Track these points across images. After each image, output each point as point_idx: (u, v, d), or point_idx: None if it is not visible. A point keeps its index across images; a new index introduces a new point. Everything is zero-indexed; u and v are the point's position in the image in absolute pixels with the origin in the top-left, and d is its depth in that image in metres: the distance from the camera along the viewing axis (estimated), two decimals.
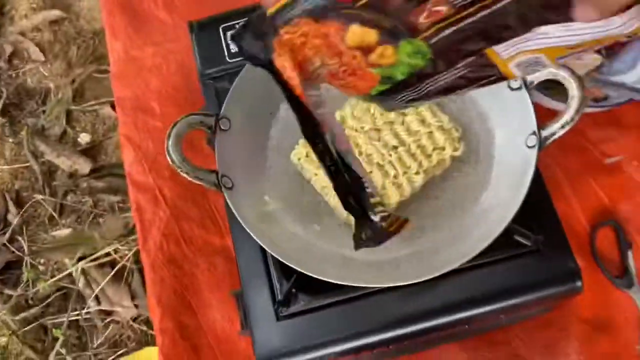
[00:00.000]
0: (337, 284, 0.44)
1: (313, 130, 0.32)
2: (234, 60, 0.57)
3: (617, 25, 0.25)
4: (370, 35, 0.27)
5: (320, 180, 0.47)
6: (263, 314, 0.48)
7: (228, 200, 0.45)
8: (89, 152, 1.20)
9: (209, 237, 0.68)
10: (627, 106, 0.61)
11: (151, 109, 0.75)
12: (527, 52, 0.27)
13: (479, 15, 0.25)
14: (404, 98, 0.31)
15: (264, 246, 0.44)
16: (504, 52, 0.27)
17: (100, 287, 0.98)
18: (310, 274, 0.42)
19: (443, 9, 0.25)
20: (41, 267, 1.07)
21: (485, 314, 0.47)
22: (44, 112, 1.21)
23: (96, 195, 1.10)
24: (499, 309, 0.47)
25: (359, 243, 0.35)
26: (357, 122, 0.48)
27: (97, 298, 1.02)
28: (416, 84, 0.29)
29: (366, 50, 0.28)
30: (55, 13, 1.27)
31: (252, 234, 0.44)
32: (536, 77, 0.44)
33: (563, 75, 0.42)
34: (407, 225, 0.37)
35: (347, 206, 0.34)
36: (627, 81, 0.64)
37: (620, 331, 0.59)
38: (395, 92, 0.30)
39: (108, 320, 1.03)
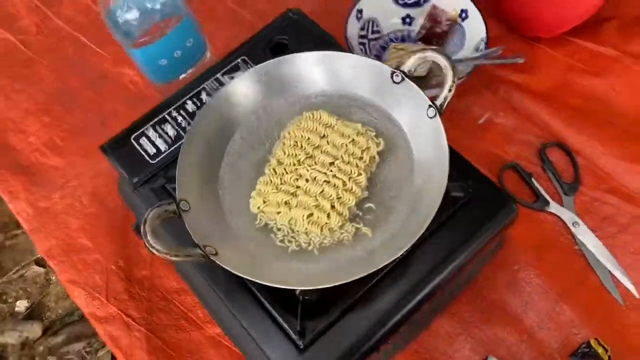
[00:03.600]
0: (334, 294, 0.50)
1: None
2: (157, 159, 0.61)
3: None
4: None
5: (284, 215, 0.52)
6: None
7: (220, 264, 0.48)
8: (33, 314, 1.13)
9: (191, 334, 0.69)
10: (473, 73, 0.74)
11: (84, 246, 0.76)
12: None
13: None
14: None
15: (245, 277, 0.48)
16: None
17: None
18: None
19: None
20: None
21: (459, 265, 0.54)
22: None
23: (59, 350, 1.02)
24: (468, 255, 0.55)
25: None
26: (293, 157, 0.54)
27: None
28: None
29: None
30: None
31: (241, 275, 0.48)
32: (410, 64, 0.54)
33: (430, 55, 0.52)
34: None
35: None
36: (463, 56, 0.79)
37: (559, 240, 0.70)
38: None
39: None
